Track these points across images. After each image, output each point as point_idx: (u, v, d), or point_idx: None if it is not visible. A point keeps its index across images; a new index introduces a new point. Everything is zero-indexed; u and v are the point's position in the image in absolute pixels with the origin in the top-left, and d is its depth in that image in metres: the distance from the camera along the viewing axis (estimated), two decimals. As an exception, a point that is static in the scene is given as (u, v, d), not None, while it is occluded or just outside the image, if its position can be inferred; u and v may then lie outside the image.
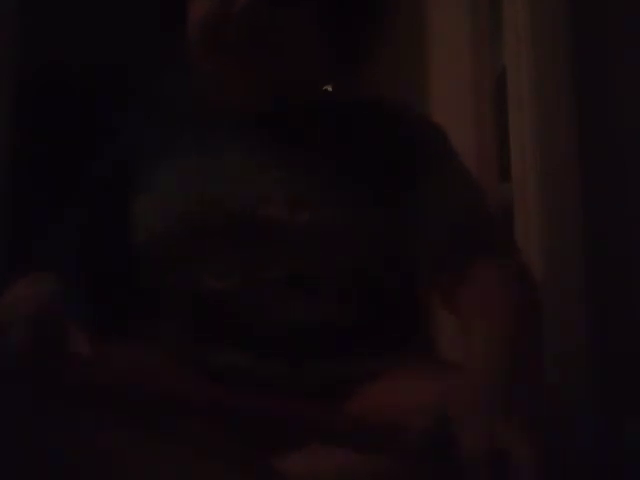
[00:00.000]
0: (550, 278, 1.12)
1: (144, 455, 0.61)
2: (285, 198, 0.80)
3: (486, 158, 1.39)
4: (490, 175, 1.38)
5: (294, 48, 0.83)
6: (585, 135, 1.17)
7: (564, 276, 1.13)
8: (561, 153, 1.17)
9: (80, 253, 0.88)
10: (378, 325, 0.83)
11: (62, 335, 0.67)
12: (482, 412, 0.57)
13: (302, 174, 0.83)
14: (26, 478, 0.59)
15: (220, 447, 0.65)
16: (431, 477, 0.56)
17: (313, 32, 0.85)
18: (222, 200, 0.81)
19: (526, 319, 0.75)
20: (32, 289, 0.72)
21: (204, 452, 0.64)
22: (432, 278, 0.85)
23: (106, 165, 0.92)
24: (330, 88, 1.01)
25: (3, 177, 1.33)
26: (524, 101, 1.21)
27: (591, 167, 1.16)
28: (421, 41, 1.59)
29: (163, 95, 1.00)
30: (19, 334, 0.64)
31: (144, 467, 0.61)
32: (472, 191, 0.88)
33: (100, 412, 0.61)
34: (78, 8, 2.40)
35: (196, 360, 0.78)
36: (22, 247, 0.88)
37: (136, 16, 1.46)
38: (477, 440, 0.54)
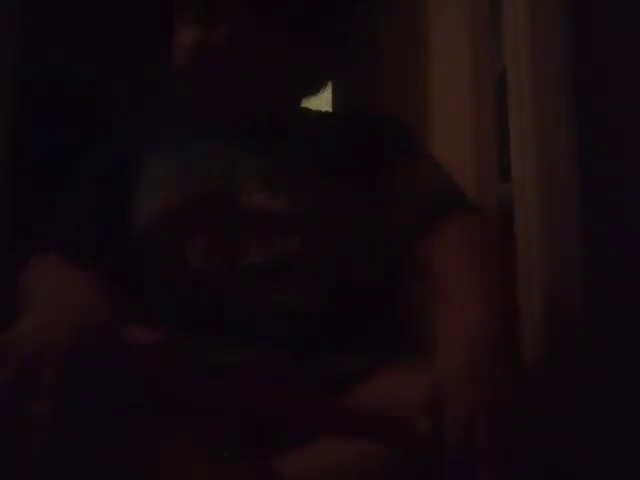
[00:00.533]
0: (550, 278, 1.12)
1: (145, 454, 0.62)
2: (266, 187, 0.86)
3: (486, 158, 1.39)
4: (490, 175, 1.38)
5: (277, 66, 0.90)
6: (585, 135, 1.17)
7: (564, 276, 1.13)
8: (561, 153, 1.17)
9: (84, 241, 0.92)
10: (360, 317, 0.85)
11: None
12: (463, 403, 0.60)
13: (284, 168, 0.89)
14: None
15: (220, 446, 0.65)
16: (432, 467, 0.57)
17: (294, 46, 0.91)
18: (208, 189, 0.87)
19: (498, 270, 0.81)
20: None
21: (204, 451, 0.64)
22: (410, 249, 0.90)
23: (105, 161, 0.98)
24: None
25: (3, 178, 1.33)
26: (524, 101, 1.21)
27: (591, 167, 1.16)
28: (421, 41, 1.59)
29: (158, 96, 1.04)
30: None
31: (145, 465, 0.61)
32: (440, 171, 0.96)
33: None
34: (79, 9, 2.40)
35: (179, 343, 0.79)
36: (22, 247, 0.89)
37: (135, 19, 1.47)
38: (457, 433, 0.58)
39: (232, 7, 0.87)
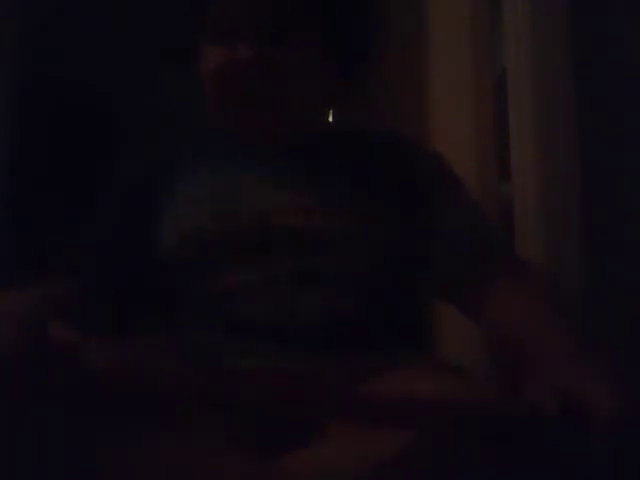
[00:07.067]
0: (550, 277, 1.13)
1: (147, 450, 0.62)
2: (300, 209, 0.88)
3: (486, 158, 1.39)
4: (490, 175, 1.39)
5: (300, 84, 0.92)
6: (585, 135, 1.17)
7: (564, 276, 1.13)
8: (561, 153, 1.17)
9: (105, 256, 0.94)
10: (380, 324, 0.87)
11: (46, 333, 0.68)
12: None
13: (316, 189, 0.91)
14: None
15: (220, 446, 0.65)
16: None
17: (316, 64, 0.92)
18: (241, 209, 0.89)
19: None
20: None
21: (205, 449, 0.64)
22: (450, 290, 0.92)
23: (133, 178, 1.00)
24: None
25: (3, 181, 1.34)
26: (524, 101, 1.21)
27: (591, 166, 1.16)
28: (421, 41, 1.59)
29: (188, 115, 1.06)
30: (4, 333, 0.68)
31: (146, 462, 0.62)
32: (484, 219, 0.96)
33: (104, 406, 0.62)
34: (80, 17, 2.40)
35: (210, 353, 0.81)
36: (23, 253, 0.89)
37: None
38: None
39: (253, 32, 0.89)
